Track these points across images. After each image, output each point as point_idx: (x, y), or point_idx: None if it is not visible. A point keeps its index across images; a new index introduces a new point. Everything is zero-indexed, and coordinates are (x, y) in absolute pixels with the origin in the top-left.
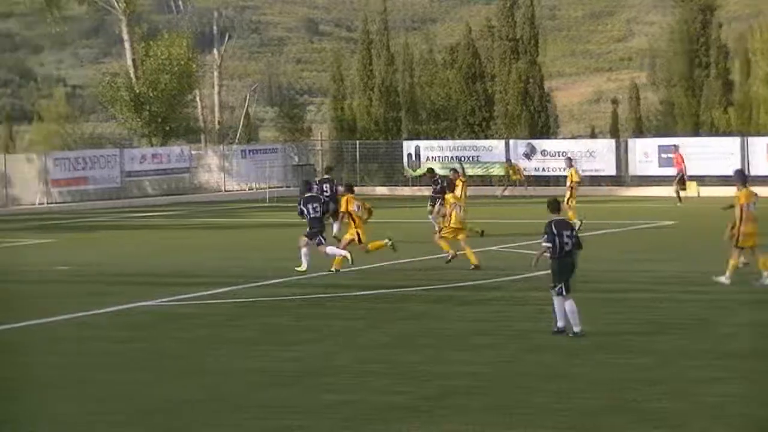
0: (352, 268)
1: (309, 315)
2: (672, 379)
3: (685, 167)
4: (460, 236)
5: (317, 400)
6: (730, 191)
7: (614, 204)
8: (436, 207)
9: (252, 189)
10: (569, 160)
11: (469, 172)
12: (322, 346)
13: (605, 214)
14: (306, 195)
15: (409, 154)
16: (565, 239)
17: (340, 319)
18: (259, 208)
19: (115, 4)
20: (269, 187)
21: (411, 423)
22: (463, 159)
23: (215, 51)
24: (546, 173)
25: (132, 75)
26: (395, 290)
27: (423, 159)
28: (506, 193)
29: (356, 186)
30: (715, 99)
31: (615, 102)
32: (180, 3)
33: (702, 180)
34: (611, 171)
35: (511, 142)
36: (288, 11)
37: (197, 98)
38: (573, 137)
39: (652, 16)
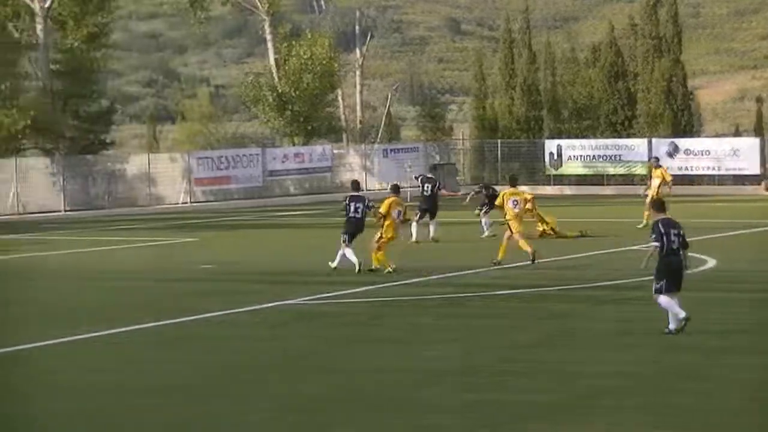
0: (495, 267)
1: (449, 314)
2: None
3: None
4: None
5: (457, 399)
6: None
7: (758, 203)
8: (484, 209)
9: None
10: (656, 159)
11: (611, 171)
12: (462, 345)
13: (748, 214)
14: (351, 194)
15: (551, 153)
16: (672, 238)
17: (480, 318)
18: None
19: (258, 4)
20: (410, 186)
21: (552, 423)
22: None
23: (357, 50)
24: (689, 172)
25: (275, 74)
26: (535, 290)
27: (565, 158)
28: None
29: (497, 185)
30: None
31: (760, 100)
32: (322, 2)
33: None
34: (755, 170)
35: (654, 140)
36: (430, 10)
37: (339, 98)
38: (716, 136)
39: None
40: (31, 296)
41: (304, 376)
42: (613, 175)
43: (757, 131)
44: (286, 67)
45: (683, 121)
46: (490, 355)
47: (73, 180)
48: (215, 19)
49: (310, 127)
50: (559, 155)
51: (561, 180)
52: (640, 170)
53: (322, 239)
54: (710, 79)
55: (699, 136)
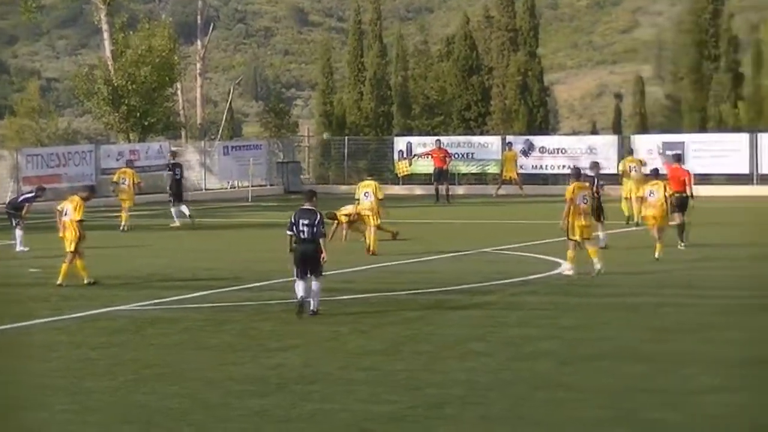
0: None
1: (292, 320)
2: (672, 388)
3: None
4: None
5: (298, 408)
6: (737, 190)
7: (614, 204)
8: None
9: (234, 187)
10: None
11: (463, 170)
12: (304, 352)
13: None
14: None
15: (401, 151)
16: (302, 227)
17: (325, 324)
18: (241, 208)
19: None
20: (252, 186)
21: None
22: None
23: (198, 42)
24: (544, 171)
25: (110, 67)
26: (383, 294)
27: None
28: (502, 192)
29: (344, 185)
30: (724, 93)
31: (618, 96)
32: None
33: (708, 178)
34: (612, 169)
35: (508, 138)
36: (276, 0)
37: (178, 92)
38: (573, 133)
39: (659, 5)
40: None
41: (139, 385)
42: (465, 174)
43: (615, 129)
44: (122, 60)
45: (539, 117)
46: (334, 362)
47: None
48: (47, 8)
49: (146, 123)
50: (410, 153)
51: (411, 179)
52: (493, 169)
53: (153, 242)
54: (568, 74)
55: (555, 134)
